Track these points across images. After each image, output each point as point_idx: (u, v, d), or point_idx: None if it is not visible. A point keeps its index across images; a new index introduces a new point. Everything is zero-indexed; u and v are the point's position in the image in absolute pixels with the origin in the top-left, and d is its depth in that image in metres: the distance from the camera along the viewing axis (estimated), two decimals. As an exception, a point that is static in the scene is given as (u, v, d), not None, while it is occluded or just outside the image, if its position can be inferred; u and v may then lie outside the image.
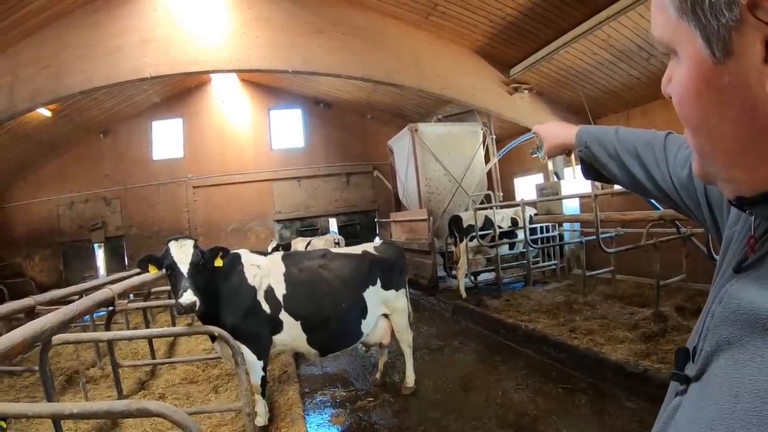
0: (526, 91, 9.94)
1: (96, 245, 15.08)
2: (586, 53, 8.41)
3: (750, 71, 0.51)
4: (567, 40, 7.88)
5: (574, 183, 10.74)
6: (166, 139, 15.47)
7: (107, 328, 5.06)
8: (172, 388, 5.47)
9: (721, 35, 0.52)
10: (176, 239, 3.87)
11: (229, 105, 15.77)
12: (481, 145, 12.24)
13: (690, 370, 0.69)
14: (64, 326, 3.50)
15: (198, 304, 3.59)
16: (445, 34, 9.33)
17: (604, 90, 9.55)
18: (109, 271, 14.08)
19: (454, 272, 10.17)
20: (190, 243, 3.85)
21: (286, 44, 8.24)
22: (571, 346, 5.59)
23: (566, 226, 10.37)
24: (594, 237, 7.72)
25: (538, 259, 10.51)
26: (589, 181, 10.85)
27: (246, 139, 15.87)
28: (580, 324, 6.26)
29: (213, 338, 4.10)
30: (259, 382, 4.22)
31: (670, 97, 0.64)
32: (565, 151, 1.44)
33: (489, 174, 12.46)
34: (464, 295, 9.14)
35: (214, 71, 9.35)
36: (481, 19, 8.46)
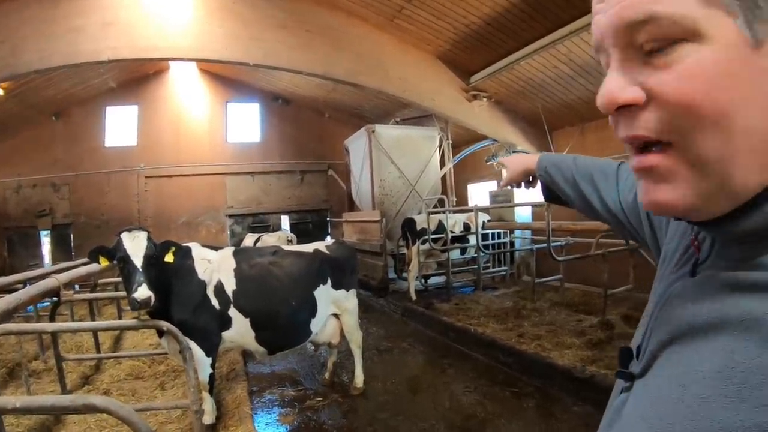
0: (485, 99, 10.07)
1: (42, 232, 14.31)
2: (547, 66, 8.59)
3: None
4: (528, 51, 8.02)
5: (527, 192, 10.96)
6: (119, 125, 14.85)
7: (51, 320, 4.81)
8: (118, 384, 5.29)
9: (765, 17, 0.49)
10: (129, 230, 3.70)
11: (186, 95, 15.33)
12: (437, 150, 12.36)
13: (635, 367, 0.71)
14: (6, 316, 3.30)
15: (153, 299, 3.45)
16: (408, 38, 9.34)
17: (561, 103, 9.79)
18: (54, 260, 13.39)
19: (404, 274, 10.19)
20: (143, 235, 3.69)
21: (248, 37, 8.03)
22: (520, 350, 5.68)
23: (517, 233, 10.58)
24: (544, 245, 7.93)
25: (489, 264, 10.67)
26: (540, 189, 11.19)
27: (201, 130, 15.46)
28: (529, 329, 6.38)
29: (161, 333, 3.93)
30: (207, 379, 4.10)
31: (620, 108, 0.58)
32: (528, 176, 1.52)
33: (443, 179, 12.59)
34: (414, 297, 9.17)
35: (173, 59, 9.03)
36: (446, 25, 8.51)
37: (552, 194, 1.43)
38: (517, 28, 7.92)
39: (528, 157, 1.50)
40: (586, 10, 6.64)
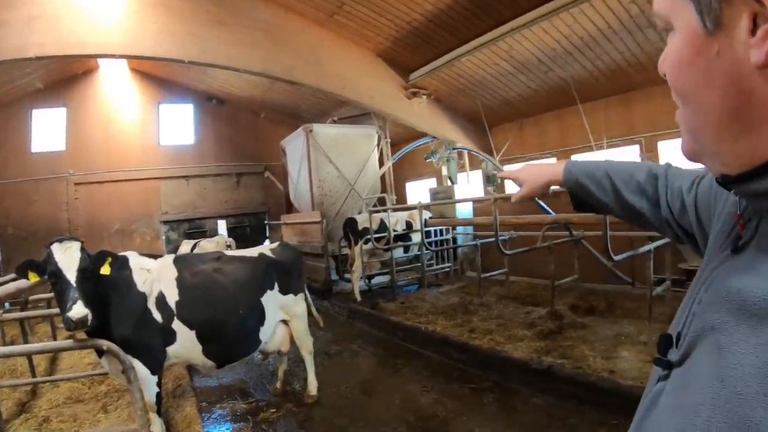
0: (425, 97, 10.10)
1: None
2: (488, 63, 8.71)
3: (737, 43, 0.54)
4: (469, 48, 8.08)
5: (467, 187, 11.12)
6: (46, 129, 13.76)
7: (-20, 343, 4.31)
8: (57, 409, 4.84)
9: (712, 8, 0.55)
10: (60, 241, 3.34)
11: (117, 96, 14.45)
12: (376, 149, 12.29)
13: (673, 355, 0.71)
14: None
15: (90, 317, 3.13)
16: (348, 35, 9.19)
17: (501, 100, 9.99)
18: (-20, 277, 12.20)
19: (347, 275, 10.06)
20: (76, 246, 3.34)
21: (183, 32, 7.60)
22: (473, 346, 5.69)
23: (459, 229, 10.66)
24: (489, 240, 8.03)
25: (432, 262, 10.67)
26: (481, 185, 11.41)
27: (133, 133, 14.64)
28: (479, 324, 6.41)
29: (100, 353, 3.58)
30: (154, 399, 3.77)
31: (665, 76, 0.67)
32: (549, 187, 1.44)
33: (382, 178, 12.53)
34: (359, 298, 9.06)
35: (104, 56, 8.30)
36: (387, 22, 8.43)
37: (581, 203, 1.37)
38: (460, 25, 7.96)
39: (548, 168, 1.44)
40: (528, 7, 6.84)
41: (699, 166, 0.73)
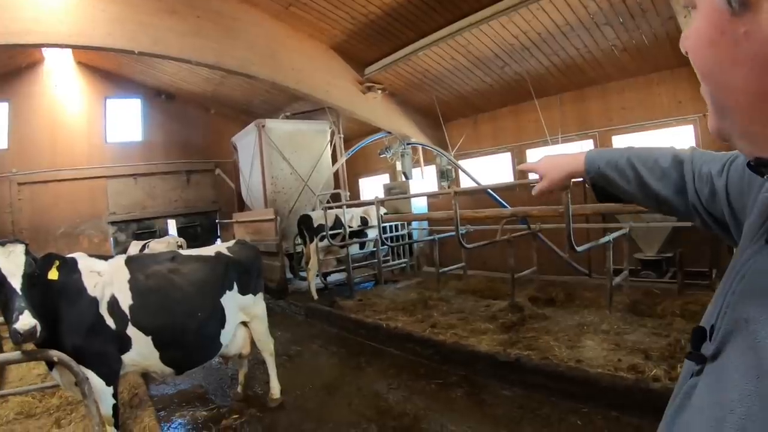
0: (380, 91, 10.03)
1: None
2: (445, 57, 8.72)
3: (766, 25, 0.51)
4: (427, 42, 8.07)
5: (422, 182, 11.13)
6: None
7: None
8: (8, 426, 4.52)
9: None
10: (2, 244, 3.05)
11: (62, 90, 13.62)
12: (329, 144, 12.14)
13: (706, 349, 0.69)
14: None
15: (39, 328, 2.87)
16: (303, 27, 8.97)
17: (456, 95, 10.05)
18: None
19: (302, 273, 9.88)
20: (20, 248, 3.06)
21: (134, 21, 7.18)
22: (438, 341, 5.67)
23: (414, 224, 10.66)
24: (446, 235, 8.04)
25: (388, 257, 10.65)
26: (435, 180, 11.46)
27: (79, 130, 13.88)
28: (440, 319, 6.42)
29: (50, 365, 3.31)
30: (111, 411, 3.52)
31: (686, 53, 0.65)
32: (571, 179, 1.40)
33: (336, 174, 12.41)
34: (316, 296, 8.92)
35: (50, 45, 7.65)
36: (344, 15, 8.27)
37: (603, 193, 1.33)
38: (417, 19, 7.91)
39: (568, 159, 1.39)
40: (487, 2, 6.86)
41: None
